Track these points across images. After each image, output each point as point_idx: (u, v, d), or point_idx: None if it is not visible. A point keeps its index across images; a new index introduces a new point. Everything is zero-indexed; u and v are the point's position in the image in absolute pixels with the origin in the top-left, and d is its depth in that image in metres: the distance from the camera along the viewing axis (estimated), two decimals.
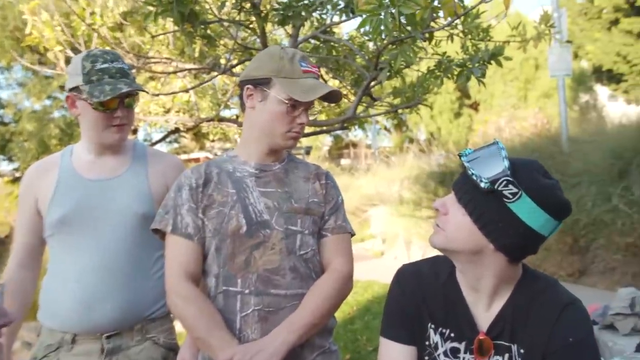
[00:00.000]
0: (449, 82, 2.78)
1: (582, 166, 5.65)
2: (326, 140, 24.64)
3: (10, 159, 13.78)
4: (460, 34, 2.81)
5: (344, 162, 22.92)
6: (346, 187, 11.63)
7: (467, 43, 2.78)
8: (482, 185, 1.11)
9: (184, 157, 17.30)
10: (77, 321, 1.57)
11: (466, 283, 1.24)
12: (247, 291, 1.40)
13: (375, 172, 13.01)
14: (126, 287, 1.61)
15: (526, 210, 1.11)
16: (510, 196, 1.10)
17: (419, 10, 1.63)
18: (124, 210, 1.64)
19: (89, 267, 1.59)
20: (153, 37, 2.74)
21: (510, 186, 1.10)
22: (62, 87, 11.74)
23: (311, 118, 3.35)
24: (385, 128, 23.99)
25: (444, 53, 2.85)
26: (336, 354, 1.54)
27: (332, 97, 1.51)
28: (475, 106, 19.28)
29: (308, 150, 20.27)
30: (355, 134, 24.06)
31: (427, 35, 1.95)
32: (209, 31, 2.69)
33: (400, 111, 3.40)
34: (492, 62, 2.36)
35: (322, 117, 4.80)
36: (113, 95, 1.57)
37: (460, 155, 1.19)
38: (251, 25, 2.68)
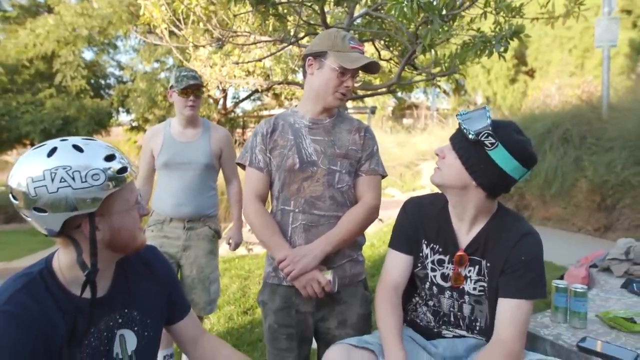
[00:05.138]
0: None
1: (618, 132, 5.41)
2: (390, 102, 24.17)
3: (127, 111, 14.87)
4: (493, 12, 2.83)
5: (406, 121, 22.54)
6: (403, 143, 11.61)
7: (499, 19, 2.80)
8: (470, 136, 1.30)
9: (265, 112, 17.70)
10: (172, 212, 2.51)
11: (454, 213, 1.45)
12: (297, 210, 1.66)
13: (431, 132, 12.82)
14: (196, 198, 2.52)
15: (501, 157, 1.29)
16: (490, 145, 1.29)
17: None
18: (196, 161, 2.51)
19: (179, 186, 2.51)
20: (235, 15, 2.98)
21: (490, 137, 1.28)
22: (168, 53, 12.36)
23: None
24: (445, 91, 23.14)
25: (478, 29, 2.89)
26: (362, 263, 1.76)
27: (372, 67, 1.67)
28: (531, 73, 18.05)
29: (373, 110, 19.97)
30: (417, 96, 23.44)
31: (450, 17, 2.04)
32: (279, 10, 2.88)
33: (440, 78, 3.45)
34: (514, 39, 2.41)
35: (377, 82, 4.92)
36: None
37: (457, 115, 1.38)
38: (313, 6, 2.85)
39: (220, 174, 2.73)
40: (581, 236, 5.70)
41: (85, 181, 0.97)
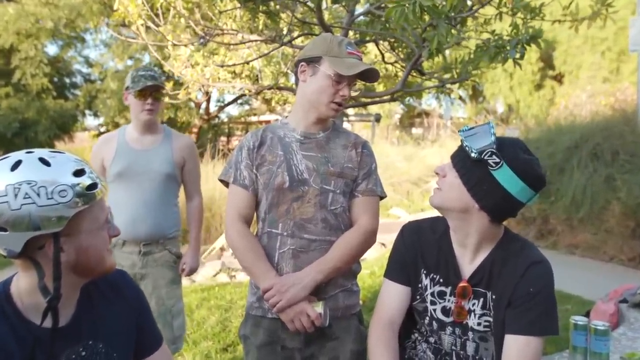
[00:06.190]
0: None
1: None
2: (398, 109, 24.36)
3: (95, 114, 14.98)
4: (509, 12, 2.91)
5: (415, 131, 22.70)
6: (411, 157, 11.70)
7: (516, 21, 2.89)
8: (472, 154, 1.35)
9: (254, 119, 17.78)
10: (126, 233, 2.40)
11: (456, 239, 1.49)
12: (285, 233, 1.71)
13: (443, 144, 12.92)
14: (155, 215, 2.51)
15: (506, 177, 1.34)
16: (494, 165, 1.34)
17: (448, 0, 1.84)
18: (156, 170, 2.52)
19: (135, 200, 2.48)
20: (220, 12, 3.06)
21: (494, 156, 1.34)
22: (144, 49, 12.49)
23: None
24: (460, 98, 23.35)
25: (493, 31, 2.98)
26: (357, 293, 1.82)
27: (371, 75, 1.74)
28: (559, 78, 18.25)
29: (378, 118, 20.13)
30: (428, 102, 23.67)
31: (458, 20, 2.13)
32: (270, 7, 2.97)
33: (451, 85, 3.55)
34: (532, 44, 2.50)
35: (381, 87, 5.03)
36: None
37: (459, 131, 1.45)
38: (308, 3, 2.94)
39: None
40: (613, 266, 5.74)
41: (51, 198, 1.02)
